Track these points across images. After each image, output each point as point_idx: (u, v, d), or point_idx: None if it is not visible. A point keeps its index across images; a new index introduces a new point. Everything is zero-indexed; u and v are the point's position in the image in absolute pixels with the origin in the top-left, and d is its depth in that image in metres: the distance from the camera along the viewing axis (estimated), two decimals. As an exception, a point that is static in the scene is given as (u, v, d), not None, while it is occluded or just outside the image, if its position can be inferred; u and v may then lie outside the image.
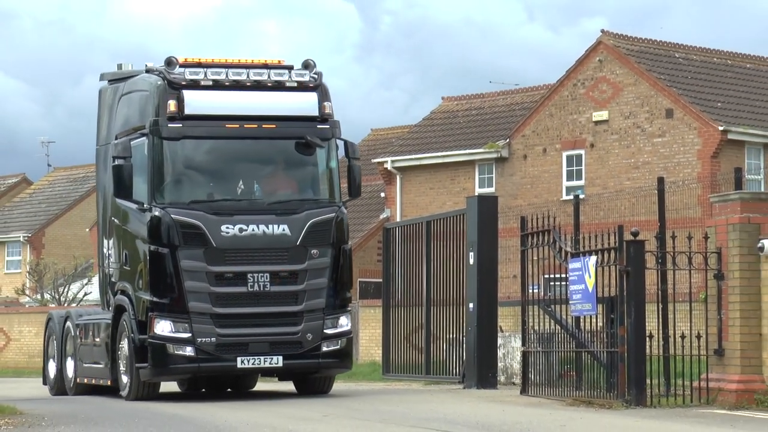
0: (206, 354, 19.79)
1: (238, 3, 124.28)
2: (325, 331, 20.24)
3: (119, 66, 22.65)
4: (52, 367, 25.23)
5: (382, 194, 49.89)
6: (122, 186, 20.17)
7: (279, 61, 21.06)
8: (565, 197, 41.89)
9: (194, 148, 20.51)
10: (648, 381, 18.08)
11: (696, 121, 40.58)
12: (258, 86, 20.54)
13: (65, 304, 53.70)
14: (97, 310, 24.14)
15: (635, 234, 18.02)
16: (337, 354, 20.50)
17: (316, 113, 20.63)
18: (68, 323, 24.18)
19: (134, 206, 20.41)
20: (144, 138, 20.27)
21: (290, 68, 20.86)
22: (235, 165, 20.68)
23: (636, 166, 41.77)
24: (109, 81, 22.84)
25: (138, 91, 21.17)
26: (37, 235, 65.73)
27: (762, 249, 17.76)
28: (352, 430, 15.65)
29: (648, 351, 18.18)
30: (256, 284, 19.98)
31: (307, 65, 20.89)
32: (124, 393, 20.77)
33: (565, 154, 44.11)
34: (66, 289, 56.11)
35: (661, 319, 19.20)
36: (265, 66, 20.81)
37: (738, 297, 17.89)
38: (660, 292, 19.27)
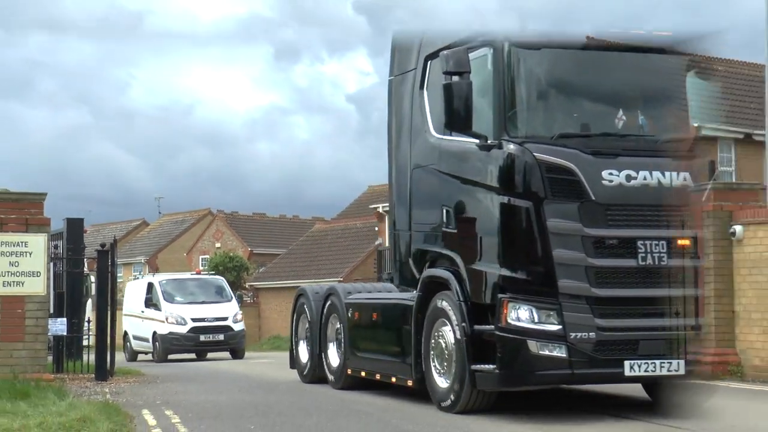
0: (582, 355, 9.83)
1: (277, 105, 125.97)
2: None
3: None
4: (303, 351, 15.10)
5: (377, 228, 46.44)
6: (456, 114, 10.19)
7: None
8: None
9: (561, 61, 10.45)
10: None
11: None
12: None
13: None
14: (369, 286, 14.30)
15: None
16: None
17: None
18: (332, 301, 14.12)
19: (474, 141, 10.39)
20: (487, 48, 10.40)
21: None
22: (615, 87, 10.62)
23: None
24: None
25: None
26: (152, 258, 66.24)
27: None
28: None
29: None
30: (649, 256, 9.98)
31: None
32: (444, 403, 10.81)
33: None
34: (172, 296, 55.07)
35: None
36: None
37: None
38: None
